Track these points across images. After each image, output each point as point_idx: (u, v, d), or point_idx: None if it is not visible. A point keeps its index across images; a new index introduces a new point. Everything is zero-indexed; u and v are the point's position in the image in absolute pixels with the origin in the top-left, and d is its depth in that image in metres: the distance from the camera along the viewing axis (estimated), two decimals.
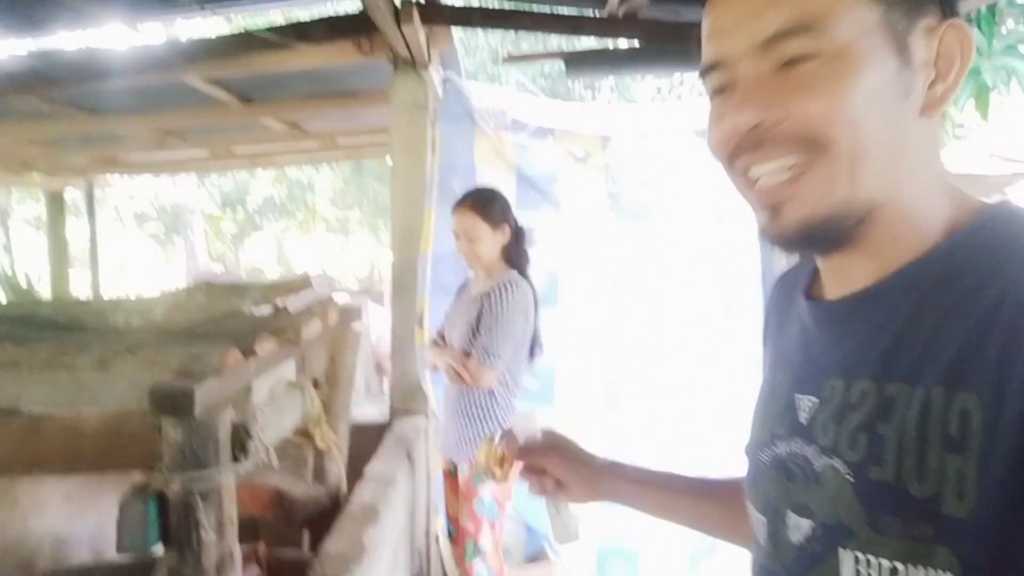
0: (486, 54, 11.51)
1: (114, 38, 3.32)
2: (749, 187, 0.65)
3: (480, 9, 3.19)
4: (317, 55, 3.11)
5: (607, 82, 11.89)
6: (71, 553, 1.63)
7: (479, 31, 10.34)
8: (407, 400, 3.15)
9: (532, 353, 2.61)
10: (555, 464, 0.98)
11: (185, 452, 1.32)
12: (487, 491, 2.43)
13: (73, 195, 7.13)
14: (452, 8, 3.12)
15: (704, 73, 0.67)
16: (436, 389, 2.93)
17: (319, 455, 2.33)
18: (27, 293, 5.98)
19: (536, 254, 2.83)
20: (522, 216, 2.76)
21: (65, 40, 3.31)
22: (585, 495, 0.99)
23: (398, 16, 2.71)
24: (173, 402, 1.30)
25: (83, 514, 1.59)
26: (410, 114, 3.17)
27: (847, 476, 0.59)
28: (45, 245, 7.20)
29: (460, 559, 2.54)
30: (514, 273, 2.55)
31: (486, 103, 3.27)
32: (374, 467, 2.44)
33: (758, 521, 0.72)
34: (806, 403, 0.66)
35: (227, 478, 1.37)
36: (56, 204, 7.03)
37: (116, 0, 2.77)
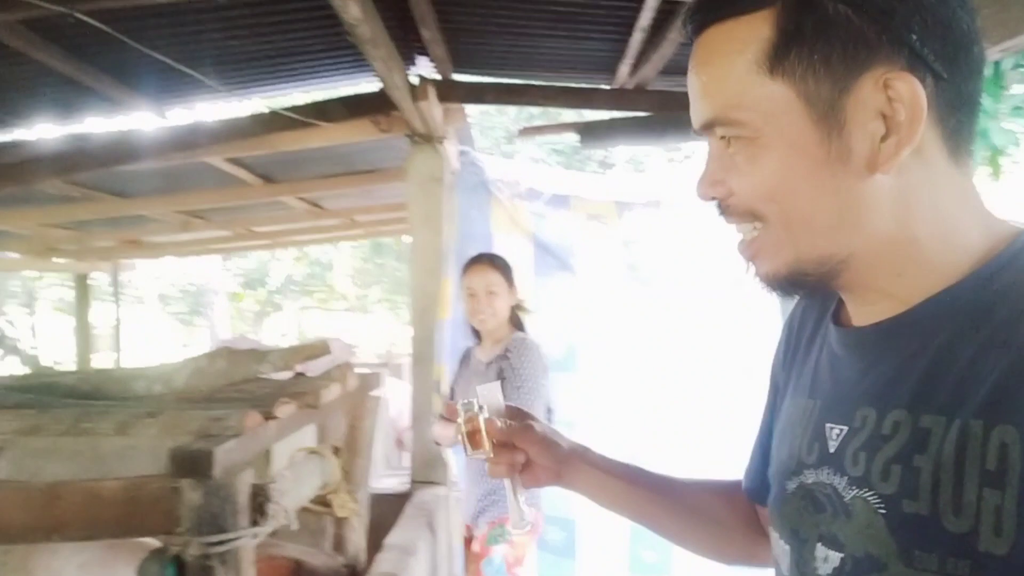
0: (500, 133, 11.83)
1: (140, 122, 3.47)
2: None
3: (493, 84, 3.30)
4: (336, 133, 3.22)
5: (622, 155, 12.14)
6: None
7: (493, 111, 10.65)
8: (428, 469, 3.12)
9: (546, 415, 2.59)
10: (527, 441, 0.92)
11: (204, 515, 1.31)
12: (498, 553, 2.40)
13: (99, 278, 7.28)
14: (466, 84, 3.24)
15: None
16: (459, 455, 2.90)
17: (339, 524, 2.30)
18: (50, 372, 6.03)
19: (554, 319, 2.85)
20: (540, 282, 2.80)
21: (93, 125, 3.43)
22: (549, 479, 0.94)
23: (414, 93, 2.81)
24: (192, 463, 1.30)
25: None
26: (427, 187, 3.25)
27: (879, 508, 0.58)
28: (71, 328, 7.31)
29: None
30: (523, 334, 2.58)
31: (501, 173, 3.36)
32: (394, 537, 2.39)
33: (782, 551, 0.70)
34: (835, 432, 0.65)
35: (246, 542, 1.36)
36: (82, 287, 7.17)
37: (145, 87, 2.90)
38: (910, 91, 0.57)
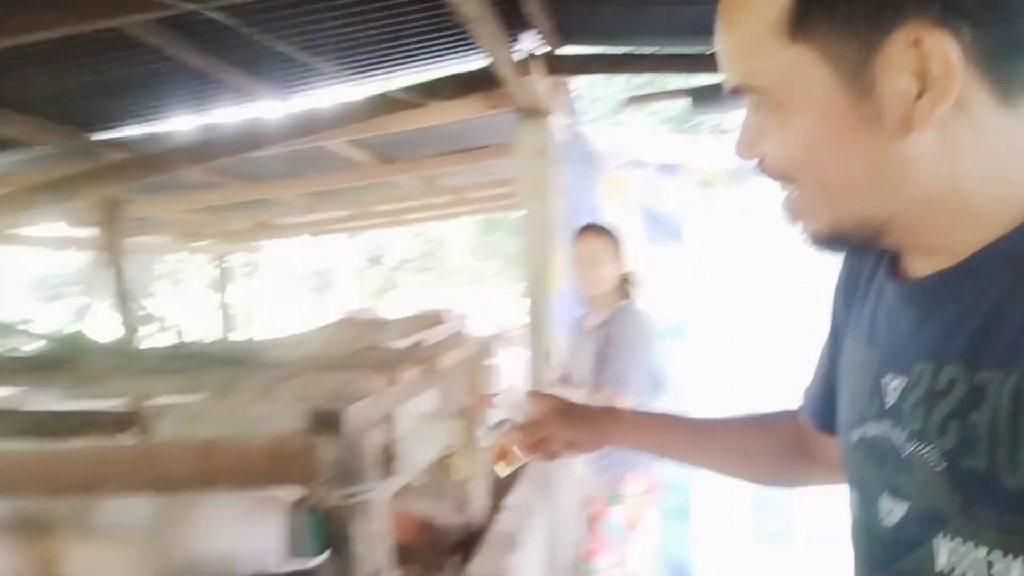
0: (608, 104, 11.68)
1: (265, 110, 3.74)
2: None
3: (599, 55, 3.29)
4: (447, 112, 3.32)
5: (736, 121, 11.71)
6: (250, 565, 1.78)
7: (600, 81, 10.53)
8: None
9: (657, 387, 2.60)
10: (558, 428, 0.97)
11: (338, 468, 1.44)
12: (615, 513, 2.45)
13: (235, 259, 7.83)
14: (571, 57, 3.25)
15: None
16: None
17: (461, 484, 2.42)
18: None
19: (665, 288, 2.85)
20: (650, 250, 2.80)
21: (223, 116, 3.69)
22: (594, 445, 1.01)
23: (520, 69, 2.85)
24: (327, 421, 1.43)
25: (260, 528, 1.74)
26: (534, 161, 3.29)
27: (938, 464, 0.58)
28: (211, 305, 7.91)
29: None
30: (628, 302, 2.58)
31: (607, 144, 3.37)
32: (514, 498, 2.49)
33: (854, 500, 0.71)
34: (893, 384, 0.64)
35: (377, 493, 1.48)
36: (221, 267, 7.73)
37: (269, 76, 3.09)
38: (941, 48, 0.54)
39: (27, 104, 3.13)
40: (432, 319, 2.03)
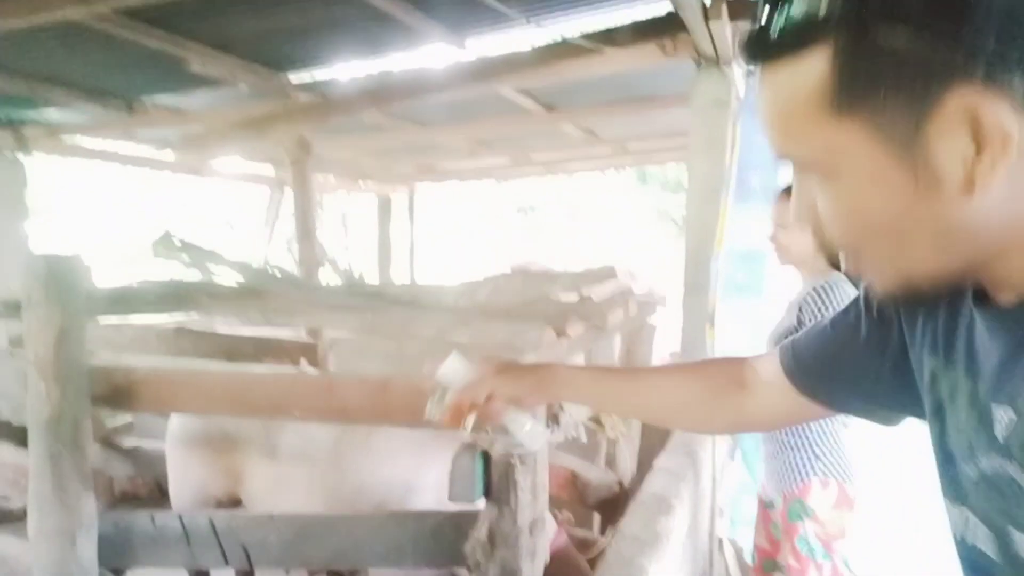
0: None
1: (440, 54, 3.79)
2: None
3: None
4: (622, 59, 3.21)
5: None
6: (417, 499, 1.87)
7: None
8: None
9: None
10: (500, 386, 1.00)
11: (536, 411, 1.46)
12: (809, 529, 2.23)
13: (398, 200, 8.13)
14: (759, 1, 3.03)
15: None
16: None
17: (611, 443, 2.41)
18: (360, 283, 6.96)
19: None
20: None
21: (398, 60, 3.78)
22: (536, 399, 1.05)
23: (706, 12, 2.70)
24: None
25: (429, 464, 1.81)
26: (712, 112, 3.14)
27: None
28: (373, 244, 8.29)
29: None
30: (835, 274, 2.23)
31: None
32: (663, 461, 2.46)
33: (984, 535, 0.67)
34: (1002, 416, 0.60)
35: (543, 446, 1.49)
36: (384, 208, 8.06)
37: (447, 18, 3.12)
38: (993, 106, 0.53)
39: (228, 45, 3.35)
40: (603, 274, 1.99)
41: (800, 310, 2.18)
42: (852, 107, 0.56)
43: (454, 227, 15.90)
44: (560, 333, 1.69)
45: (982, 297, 0.66)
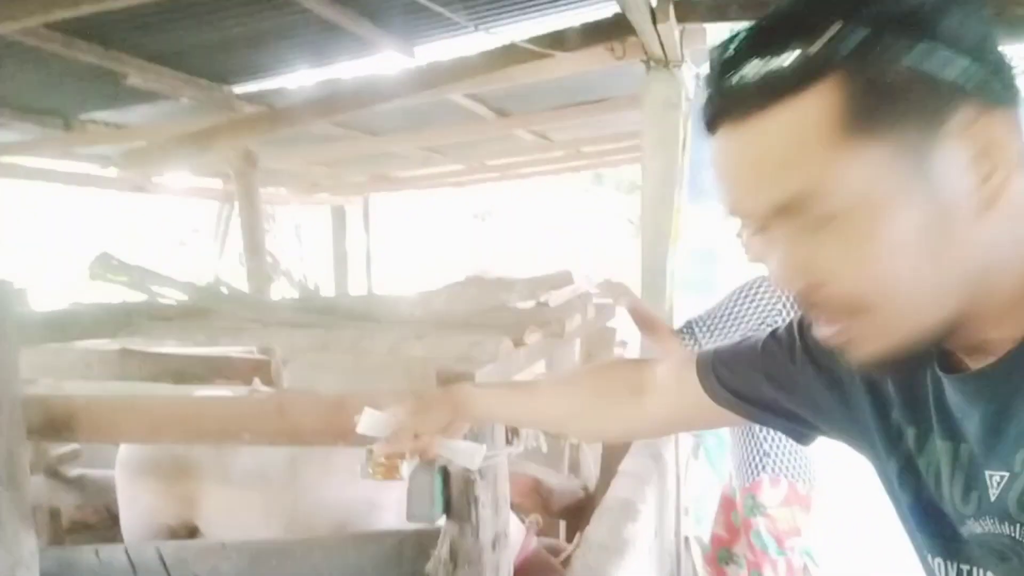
0: None
1: (389, 62, 3.73)
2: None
3: (737, 1, 3.08)
4: (571, 63, 3.21)
5: None
6: (381, 517, 1.82)
7: (736, 30, 10.01)
8: None
9: None
10: (421, 424, 1.02)
11: (465, 432, 1.42)
12: (761, 524, 2.27)
13: (352, 211, 8.03)
14: (707, 3, 3.05)
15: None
16: None
17: (573, 449, 2.39)
18: (316, 294, 6.86)
19: None
20: None
21: (347, 69, 3.73)
22: (461, 423, 1.08)
23: (654, 15, 2.70)
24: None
25: (375, 488, 1.77)
26: (662, 114, 3.15)
27: None
28: (328, 256, 8.18)
29: None
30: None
31: None
32: (628, 464, 2.44)
33: None
34: (996, 479, 0.59)
35: (502, 458, 1.45)
36: (339, 219, 7.96)
37: (395, 26, 3.07)
38: (991, 126, 0.53)
39: (168, 57, 3.25)
40: (559, 280, 1.97)
41: (735, 292, 2.19)
42: (864, 136, 0.54)
43: (410, 236, 15.82)
44: (518, 342, 1.66)
45: (947, 365, 0.64)
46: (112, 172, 5.23)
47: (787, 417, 0.83)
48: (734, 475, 2.39)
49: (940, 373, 0.65)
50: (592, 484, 2.53)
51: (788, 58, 0.54)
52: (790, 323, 0.83)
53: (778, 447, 2.27)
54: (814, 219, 0.56)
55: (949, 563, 0.67)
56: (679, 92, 3.14)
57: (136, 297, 2.10)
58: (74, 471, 2.47)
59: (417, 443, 1.02)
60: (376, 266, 8.52)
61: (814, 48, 0.54)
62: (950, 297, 0.56)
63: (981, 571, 0.64)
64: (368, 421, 1.02)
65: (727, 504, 2.49)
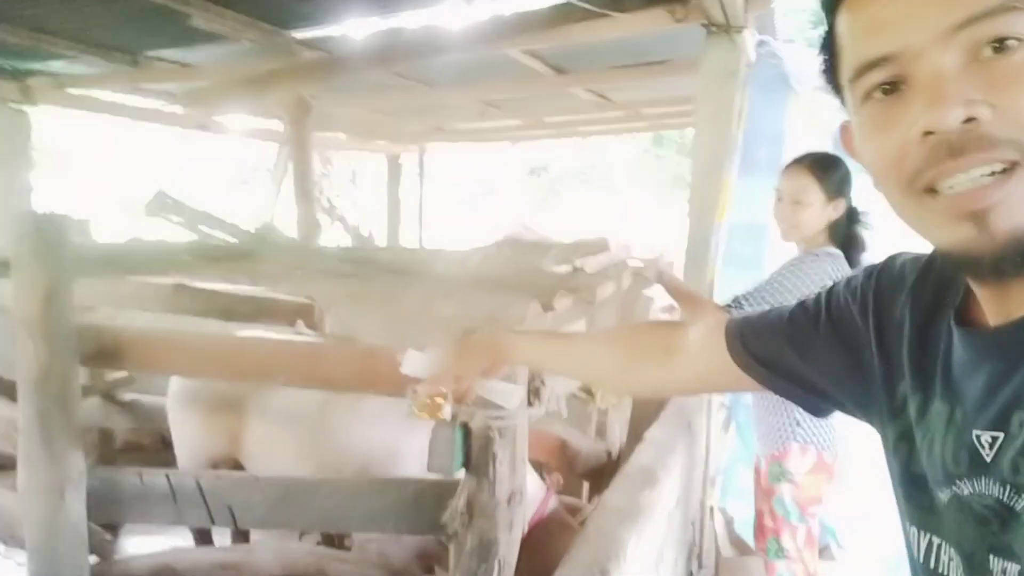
0: (805, 16, 10.69)
1: (448, 15, 3.70)
2: (931, 199, 0.56)
3: None
4: (631, 24, 3.14)
5: None
6: (403, 465, 1.89)
7: None
8: None
9: None
10: (463, 366, 1.08)
11: (503, 375, 1.46)
12: (785, 491, 2.28)
13: (407, 160, 8.08)
14: None
15: (859, 74, 0.58)
16: None
17: (602, 414, 2.42)
18: (368, 242, 6.98)
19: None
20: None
21: (407, 19, 3.71)
22: (500, 367, 1.14)
23: None
24: None
25: (416, 431, 1.82)
26: (720, 81, 3.07)
27: None
28: (383, 203, 8.28)
29: (762, 553, 2.46)
30: (831, 248, 2.20)
31: (803, 65, 3.07)
32: (654, 432, 2.46)
33: (947, 559, 0.65)
34: (988, 439, 0.59)
35: (522, 420, 1.49)
36: (394, 167, 8.02)
37: None
38: None
39: (235, 1, 3.30)
40: (596, 246, 1.98)
41: (783, 267, 2.15)
42: None
43: (465, 188, 15.85)
44: (547, 307, 1.68)
45: (965, 320, 0.64)
46: (177, 109, 5.36)
47: (804, 387, 0.84)
48: (760, 444, 2.40)
49: (954, 326, 0.64)
50: (617, 450, 2.57)
51: None
52: (818, 294, 0.84)
53: (809, 417, 2.28)
54: (1008, 32, 0.52)
55: (922, 534, 0.68)
56: (738, 59, 3.05)
57: (188, 236, 2.19)
58: (128, 396, 2.61)
59: (458, 384, 1.08)
60: (429, 217, 8.59)
61: None
62: None
63: (947, 546, 0.65)
64: (412, 362, 1.10)
65: (756, 476, 2.50)
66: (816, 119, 3.08)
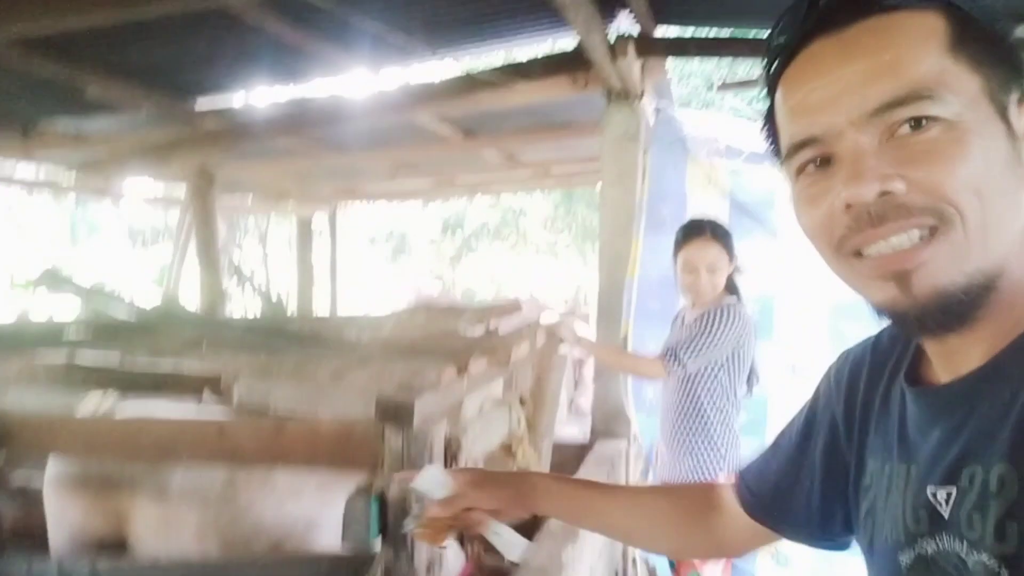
0: (700, 80, 11.32)
1: (357, 84, 3.77)
2: (858, 261, 0.62)
3: (695, 39, 3.17)
4: (534, 91, 3.26)
5: None
6: (320, 536, 1.82)
7: (693, 64, 10.21)
8: (609, 422, 3.17)
9: (749, 383, 2.52)
10: (479, 500, 0.95)
11: (404, 458, 1.45)
12: None
13: (318, 221, 8.01)
14: (666, 40, 3.13)
15: (791, 152, 0.64)
16: (649, 419, 2.93)
17: (522, 471, 2.41)
18: (277, 306, 6.83)
19: (749, 282, 2.74)
20: (736, 244, 2.70)
21: (316, 87, 3.73)
22: (518, 513, 0.99)
23: (613, 51, 2.77)
24: (395, 413, 1.44)
25: (333, 502, 1.77)
26: (621, 144, 3.22)
27: (1000, 570, 0.54)
28: (294, 264, 8.13)
29: None
30: (734, 298, 2.47)
31: (699, 130, 3.25)
32: None
33: None
34: (943, 495, 0.60)
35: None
36: (304, 229, 7.92)
37: (361, 51, 3.10)
38: None
39: (134, 71, 3.24)
40: (508, 307, 2.01)
41: (698, 325, 2.33)
42: (969, 60, 0.58)
43: (377, 246, 15.76)
44: (462, 370, 1.69)
45: (916, 379, 0.67)
46: (71, 178, 5.16)
47: (810, 515, 0.83)
48: (676, 479, 2.50)
49: (905, 386, 0.67)
50: None
51: None
52: (802, 408, 0.86)
53: (730, 449, 2.43)
54: (917, 114, 0.57)
55: None
56: (638, 124, 3.21)
57: (82, 311, 2.10)
58: (16, 480, 2.43)
59: (467, 516, 0.96)
60: (341, 277, 8.48)
61: None
62: (1006, 246, 0.58)
63: None
64: (427, 479, 0.98)
65: None
66: (712, 181, 3.26)
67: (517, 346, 1.95)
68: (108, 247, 12.10)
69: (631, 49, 2.89)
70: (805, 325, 3.19)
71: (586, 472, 2.64)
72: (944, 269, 0.57)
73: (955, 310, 0.58)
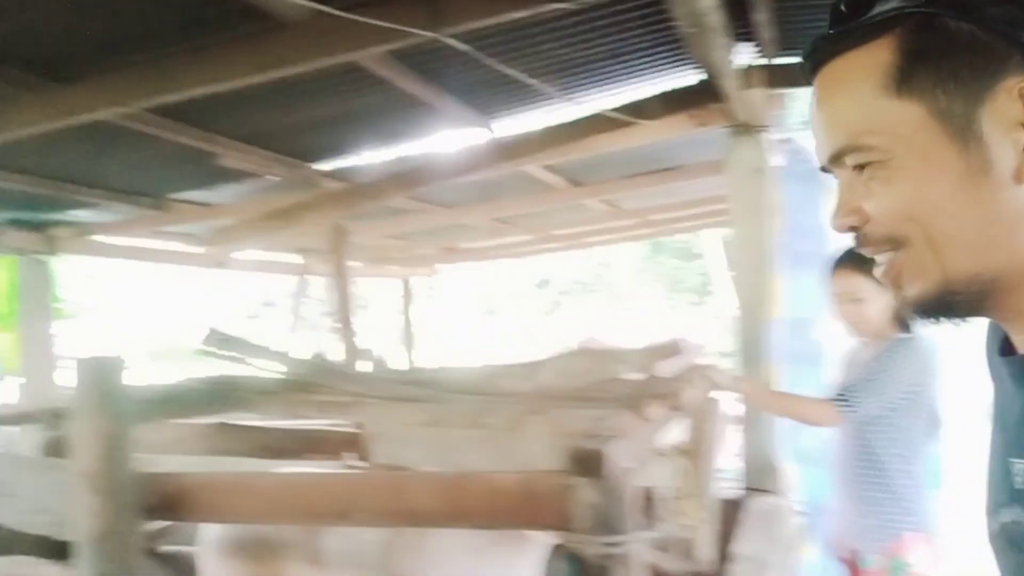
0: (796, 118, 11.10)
1: (468, 136, 3.78)
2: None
3: None
4: (651, 131, 3.19)
5: None
6: None
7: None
8: (761, 476, 2.96)
9: (930, 426, 2.30)
10: None
11: (598, 514, 1.33)
12: None
13: (417, 282, 8.12)
14: (792, 67, 3.02)
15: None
16: (808, 469, 2.72)
17: (687, 529, 2.25)
18: (381, 365, 6.86)
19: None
20: None
21: (424, 144, 3.78)
22: None
23: (744, 81, 2.68)
24: (587, 463, 1.32)
25: (489, 566, 1.67)
26: (749, 179, 3.09)
27: None
28: (396, 326, 8.23)
29: None
30: (908, 335, 2.28)
31: None
32: (742, 547, 2.29)
33: None
34: (1019, 467, 0.62)
35: (640, 544, 1.35)
36: (406, 290, 8.04)
37: (479, 101, 3.11)
38: None
39: (256, 138, 3.35)
40: (668, 349, 1.89)
41: (871, 365, 2.17)
42: (912, 89, 0.60)
43: (470, 305, 15.90)
44: (640, 416, 1.57)
45: (1008, 348, 0.68)
46: (198, 249, 5.39)
47: None
48: (861, 539, 2.29)
49: (999, 357, 0.69)
50: (712, 568, 2.38)
51: (875, 11, 0.61)
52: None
53: (919, 504, 2.25)
54: (862, 162, 0.63)
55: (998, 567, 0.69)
56: (763, 157, 3.09)
57: (237, 371, 2.10)
58: (167, 548, 2.43)
59: None
60: (438, 336, 8.53)
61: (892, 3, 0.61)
62: (984, 253, 0.60)
63: (1002, 573, 0.68)
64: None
65: (854, 571, 2.36)
66: None
67: (686, 390, 1.82)
68: (220, 313, 12.64)
69: (757, 79, 2.79)
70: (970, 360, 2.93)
71: (748, 531, 2.44)
72: (918, 278, 0.63)
73: (953, 308, 0.64)
